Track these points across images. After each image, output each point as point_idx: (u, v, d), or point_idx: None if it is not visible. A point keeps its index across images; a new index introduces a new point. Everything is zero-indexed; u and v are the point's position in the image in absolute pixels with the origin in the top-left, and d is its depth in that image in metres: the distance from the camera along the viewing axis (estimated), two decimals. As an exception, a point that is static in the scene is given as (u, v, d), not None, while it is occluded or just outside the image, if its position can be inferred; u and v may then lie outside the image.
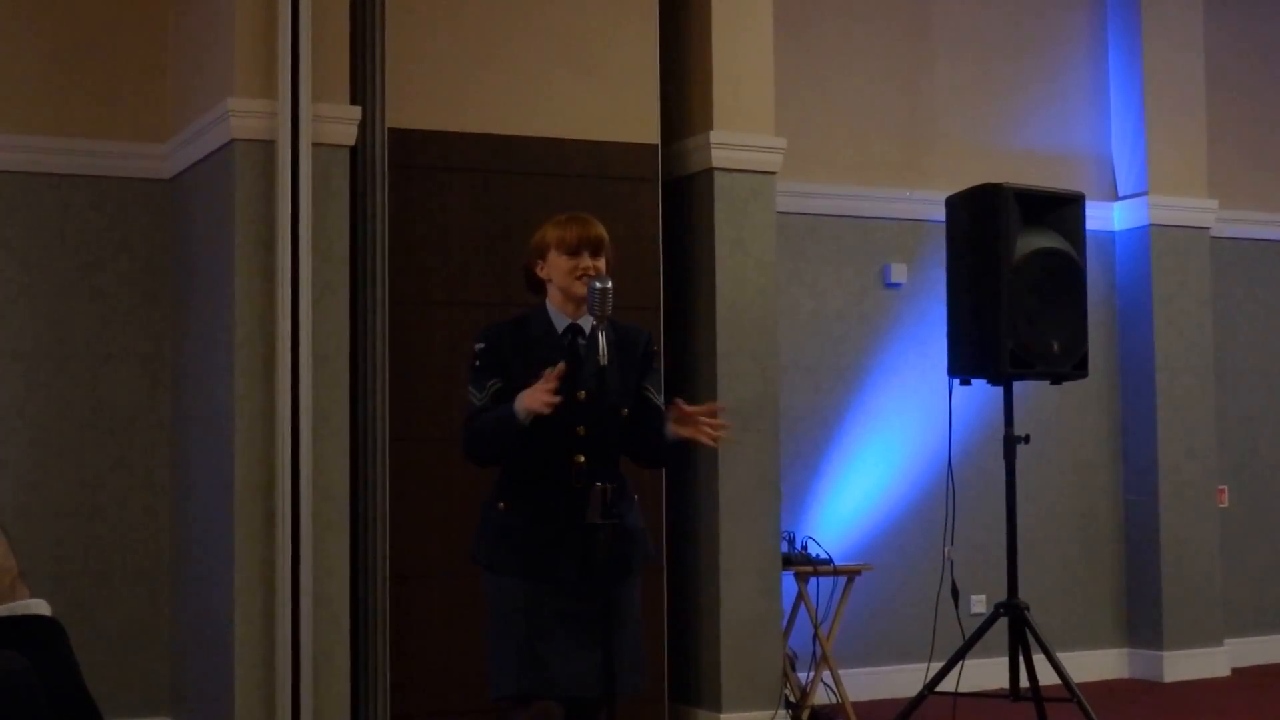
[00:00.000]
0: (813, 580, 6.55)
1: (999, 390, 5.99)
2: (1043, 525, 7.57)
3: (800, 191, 7.12)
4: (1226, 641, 7.86)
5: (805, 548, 6.64)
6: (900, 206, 7.43)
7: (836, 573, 6.59)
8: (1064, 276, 5.92)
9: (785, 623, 6.53)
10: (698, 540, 6.36)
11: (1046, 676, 5.80)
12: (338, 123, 5.67)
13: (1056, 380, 6.06)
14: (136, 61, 6.28)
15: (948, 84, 7.61)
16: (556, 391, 3.70)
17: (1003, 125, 7.72)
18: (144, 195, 6.26)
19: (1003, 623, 5.85)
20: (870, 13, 7.47)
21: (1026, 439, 5.94)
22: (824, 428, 7.22)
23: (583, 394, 3.83)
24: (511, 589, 3.88)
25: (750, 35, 6.46)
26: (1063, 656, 5.95)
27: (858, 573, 6.64)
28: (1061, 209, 6.03)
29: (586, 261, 3.90)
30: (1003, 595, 5.93)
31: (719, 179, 6.37)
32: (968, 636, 5.84)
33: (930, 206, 6.96)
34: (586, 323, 3.88)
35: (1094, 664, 7.64)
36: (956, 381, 6.01)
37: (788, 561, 6.49)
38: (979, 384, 6.04)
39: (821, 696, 6.55)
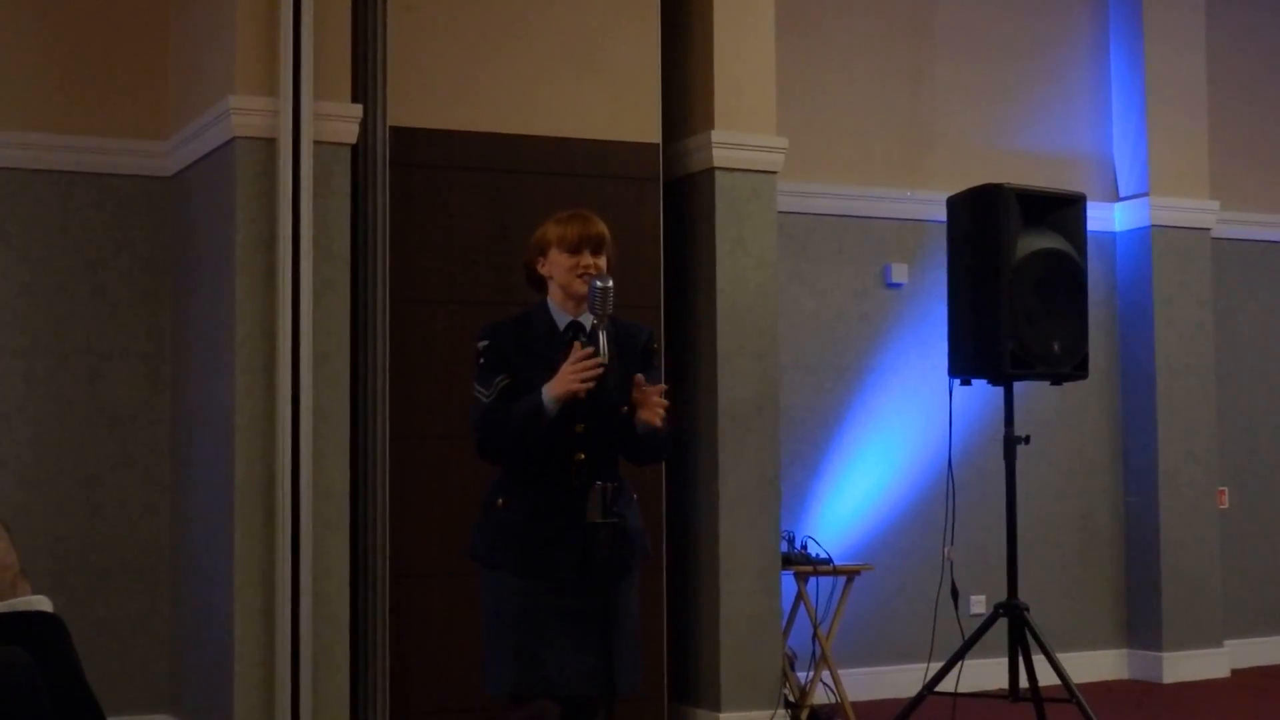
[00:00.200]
0: (812, 580, 6.56)
1: (999, 391, 5.99)
2: (1043, 526, 7.57)
3: (801, 191, 7.12)
4: (1226, 643, 7.86)
5: (805, 547, 6.64)
6: (901, 206, 7.43)
7: (836, 572, 6.59)
8: (1065, 277, 5.92)
9: (785, 622, 6.53)
10: (698, 539, 6.36)
11: (1046, 677, 5.79)
12: (339, 121, 5.67)
13: (1057, 381, 6.06)
14: (138, 59, 6.28)
15: (949, 84, 7.61)
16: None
17: (1004, 125, 7.72)
18: (145, 193, 6.26)
19: (1002, 623, 5.85)
20: (872, 12, 7.47)
21: (1027, 439, 5.94)
22: (824, 427, 7.22)
23: (583, 393, 3.83)
24: (508, 585, 3.88)
25: (752, 35, 6.46)
26: (1062, 657, 5.95)
27: (857, 572, 6.65)
28: (1063, 209, 6.03)
29: (588, 260, 3.90)
30: (1002, 595, 5.93)
31: (720, 178, 6.37)
32: (967, 637, 5.84)
33: (931, 207, 6.96)
34: (587, 320, 3.87)
35: (1093, 665, 7.64)
36: (957, 382, 6.01)
37: (787, 561, 6.49)
38: (979, 384, 6.03)
39: (821, 696, 6.55)
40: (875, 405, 7.32)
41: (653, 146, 6.32)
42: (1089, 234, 6.13)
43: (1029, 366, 5.84)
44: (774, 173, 6.49)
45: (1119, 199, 7.93)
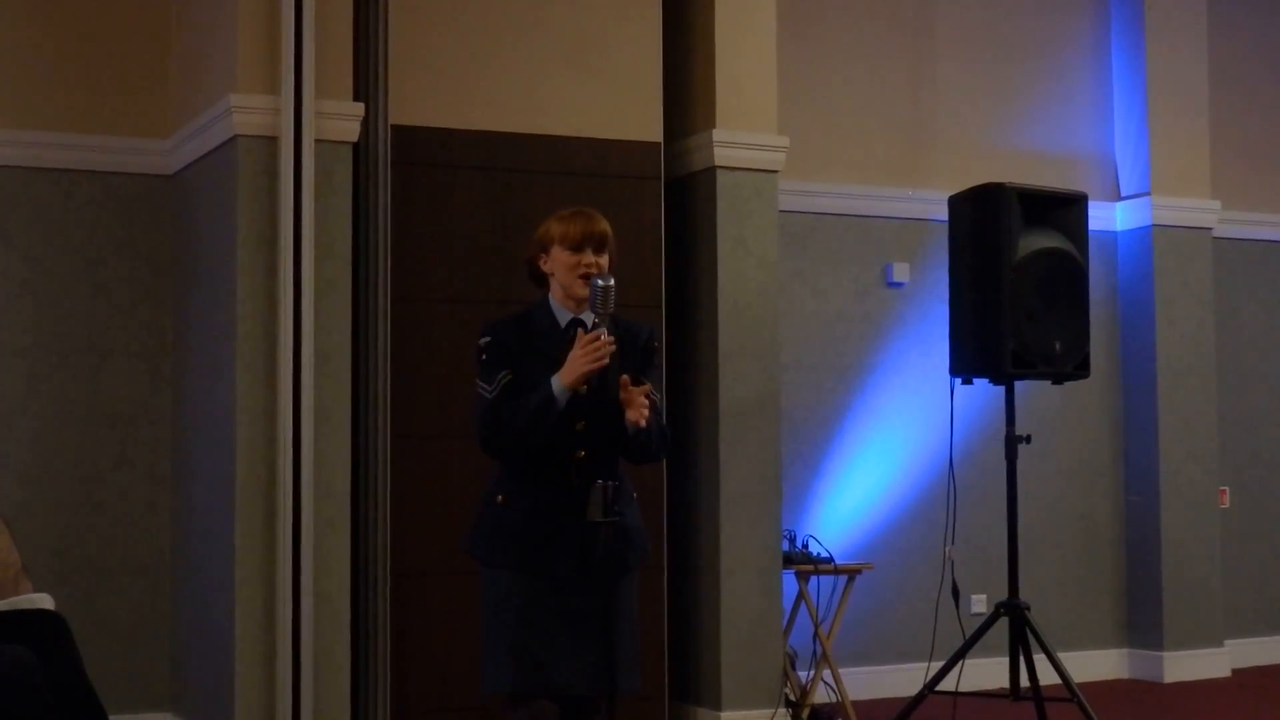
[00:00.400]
0: (813, 579, 6.55)
1: (1000, 390, 5.99)
2: (1044, 525, 7.57)
3: (803, 190, 7.11)
4: (1227, 642, 7.86)
5: (806, 546, 6.64)
6: (903, 206, 7.43)
7: (837, 572, 6.59)
8: (1066, 277, 5.92)
9: (786, 621, 6.52)
10: (698, 538, 6.36)
11: (1047, 676, 5.80)
12: (340, 119, 5.67)
13: (1058, 380, 6.06)
14: (139, 57, 6.28)
15: (951, 83, 7.61)
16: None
17: (1005, 125, 7.72)
18: (146, 191, 6.26)
19: (1003, 622, 5.85)
20: (873, 12, 7.47)
21: (1028, 439, 5.94)
22: (825, 427, 7.22)
23: (583, 389, 3.83)
24: (506, 583, 3.87)
25: (753, 34, 6.46)
26: (1063, 656, 5.95)
27: (858, 572, 6.65)
28: (1064, 209, 6.03)
29: (590, 258, 3.89)
30: (1003, 595, 5.93)
31: (721, 177, 6.37)
32: (968, 636, 5.84)
33: (933, 206, 6.96)
34: (589, 318, 3.87)
35: (1094, 664, 7.64)
36: (958, 381, 6.01)
37: (788, 560, 6.49)
38: (981, 384, 6.03)
39: (822, 695, 6.55)
40: (876, 404, 7.32)
41: (654, 145, 6.31)
42: (1090, 233, 6.13)
43: (1030, 366, 5.84)
44: (775, 172, 6.48)
45: (1120, 198, 7.93)
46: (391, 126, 5.83)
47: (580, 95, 6.21)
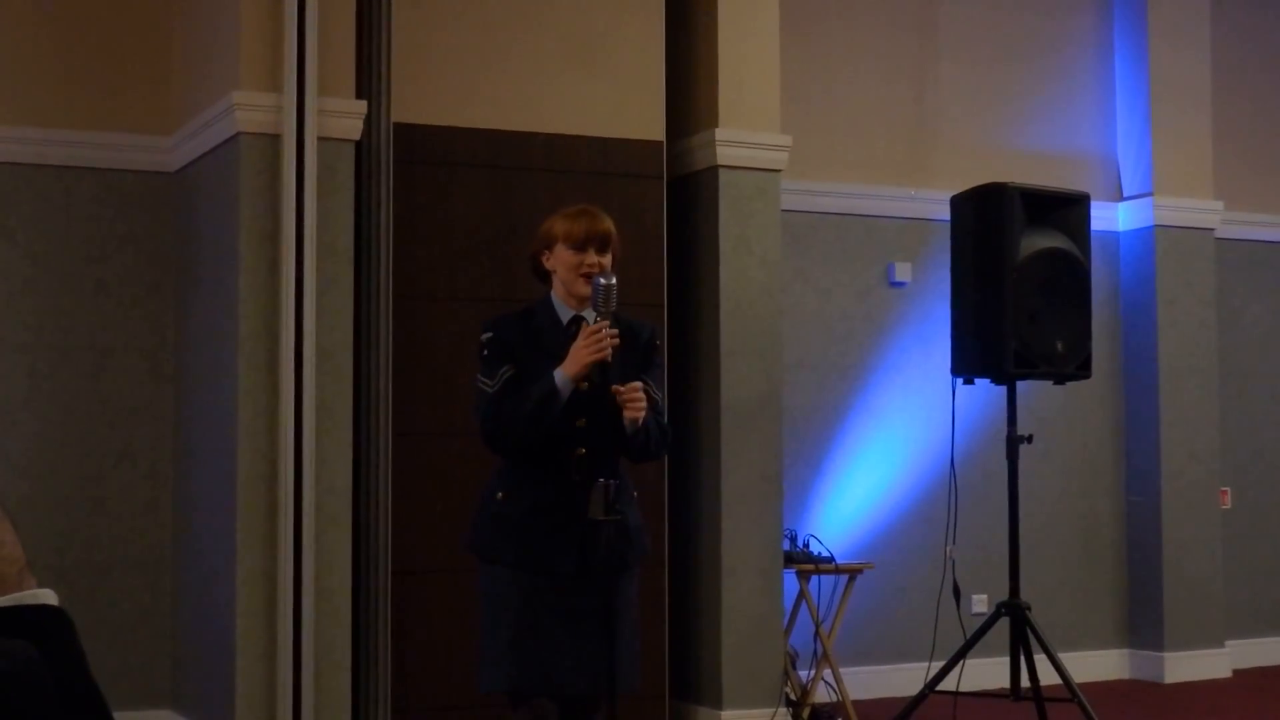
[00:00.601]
0: (814, 578, 6.55)
1: (1002, 390, 5.99)
2: (1045, 525, 7.57)
3: (805, 189, 7.11)
4: (1228, 643, 7.86)
5: (807, 546, 6.64)
6: (905, 205, 7.43)
7: (838, 571, 6.59)
8: (1068, 277, 5.92)
9: (786, 621, 6.52)
10: (699, 537, 6.36)
11: (1047, 676, 5.80)
12: (343, 117, 5.67)
13: (1060, 380, 6.06)
14: (142, 54, 6.28)
15: (953, 83, 7.61)
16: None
17: (1008, 125, 7.72)
18: (149, 188, 6.26)
19: (1004, 622, 5.85)
20: (876, 12, 7.47)
21: (1029, 439, 5.94)
22: (827, 426, 7.22)
23: (584, 385, 3.83)
24: (505, 580, 3.87)
25: (756, 33, 6.46)
26: (1064, 657, 5.95)
27: (859, 571, 6.64)
28: (1066, 209, 6.03)
29: (592, 258, 3.89)
30: (1004, 595, 5.93)
31: (724, 176, 6.36)
32: (969, 636, 5.84)
33: (935, 205, 6.96)
34: (590, 315, 3.87)
35: (1095, 664, 7.64)
36: (960, 381, 6.01)
37: (789, 559, 6.49)
38: (982, 383, 6.03)
39: (822, 695, 6.55)
40: (878, 404, 7.32)
41: (656, 144, 6.31)
42: (1093, 233, 6.13)
43: (1032, 366, 5.84)
44: (778, 171, 6.48)
45: (1123, 199, 7.92)
46: (394, 124, 5.82)
47: (583, 94, 6.21)
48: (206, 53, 5.98)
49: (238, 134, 5.57)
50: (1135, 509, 7.81)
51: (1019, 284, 5.79)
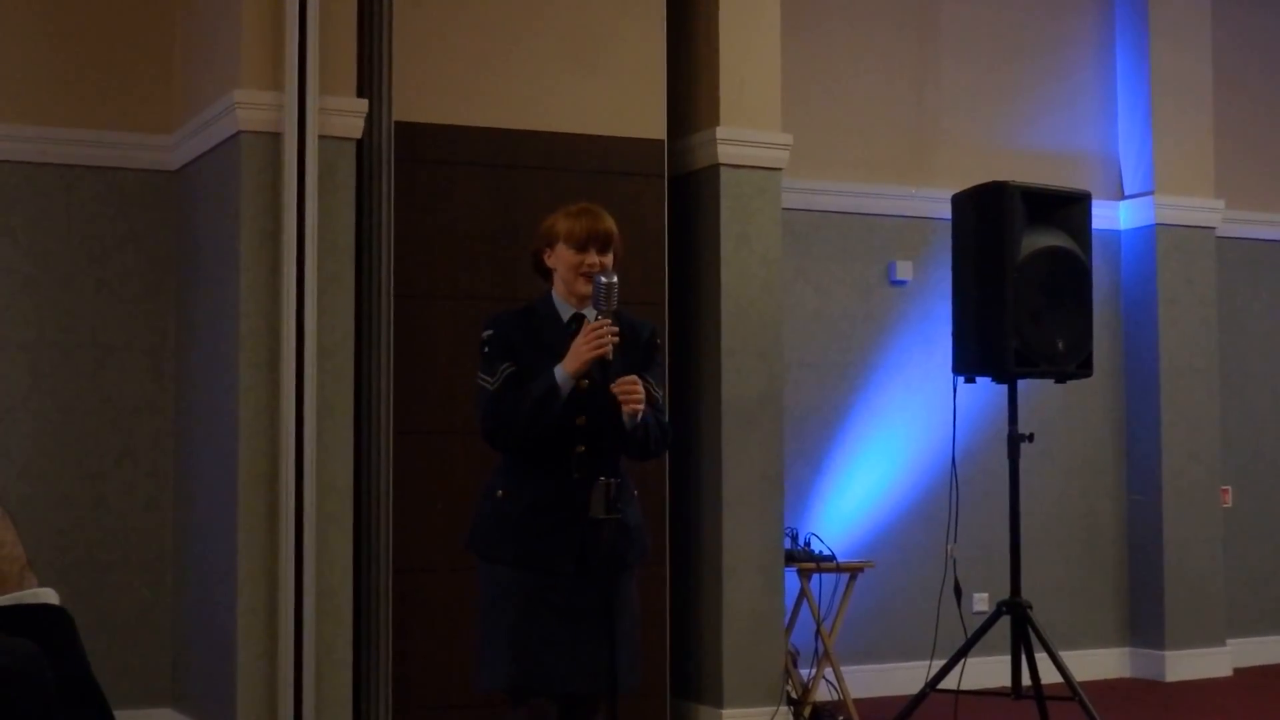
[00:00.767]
0: (815, 577, 6.55)
1: (1003, 388, 5.98)
2: (1046, 524, 7.57)
3: (806, 188, 7.11)
4: (1229, 641, 7.86)
5: (808, 544, 6.64)
6: (906, 204, 7.43)
7: (839, 569, 6.59)
8: (1069, 275, 5.92)
9: (787, 619, 6.52)
10: (700, 536, 6.36)
11: (1048, 675, 5.79)
12: (344, 115, 5.67)
13: (1061, 379, 6.06)
14: (144, 53, 6.28)
15: (955, 82, 7.61)
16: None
17: (1009, 124, 7.72)
18: (150, 187, 6.27)
19: (1005, 621, 5.85)
20: (878, 10, 7.47)
21: (1030, 437, 5.93)
22: (828, 425, 7.22)
23: (585, 384, 3.83)
24: (505, 578, 3.86)
25: (757, 31, 6.46)
26: (1065, 655, 5.95)
27: (860, 570, 6.64)
28: (1067, 208, 6.02)
29: (593, 258, 3.89)
30: (1005, 593, 5.93)
31: (725, 175, 6.36)
32: (970, 634, 5.84)
33: (936, 204, 6.96)
34: (591, 313, 3.87)
35: (1096, 663, 7.64)
36: (961, 379, 6.01)
37: (790, 558, 6.49)
38: (983, 382, 6.03)
39: (823, 693, 6.55)
40: (879, 403, 7.32)
41: (658, 143, 6.31)
42: (1094, 232, 6.13)
43: (1033, 364, 5.84)
44: (779, 169, 6.48)
45: (1124, 197, 7.92)
46: (395, 123, 5.83)
47: (584, 92, 6.21)
48: (208, 51, 5.98)
49: (239, 132, 5.57)
50: (1136, 507, 7.81)
51: (1020, 283, 5.79)
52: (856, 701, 6.58)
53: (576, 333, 3.84)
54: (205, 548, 5.87)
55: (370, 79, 5.79)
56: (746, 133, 6.39)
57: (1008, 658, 5.90)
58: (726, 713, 6.19)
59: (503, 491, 3.92)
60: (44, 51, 6.16)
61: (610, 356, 3.78)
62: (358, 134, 5.72)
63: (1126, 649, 7.81)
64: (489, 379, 3.89)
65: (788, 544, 6.51)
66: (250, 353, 5.52)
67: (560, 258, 3.93)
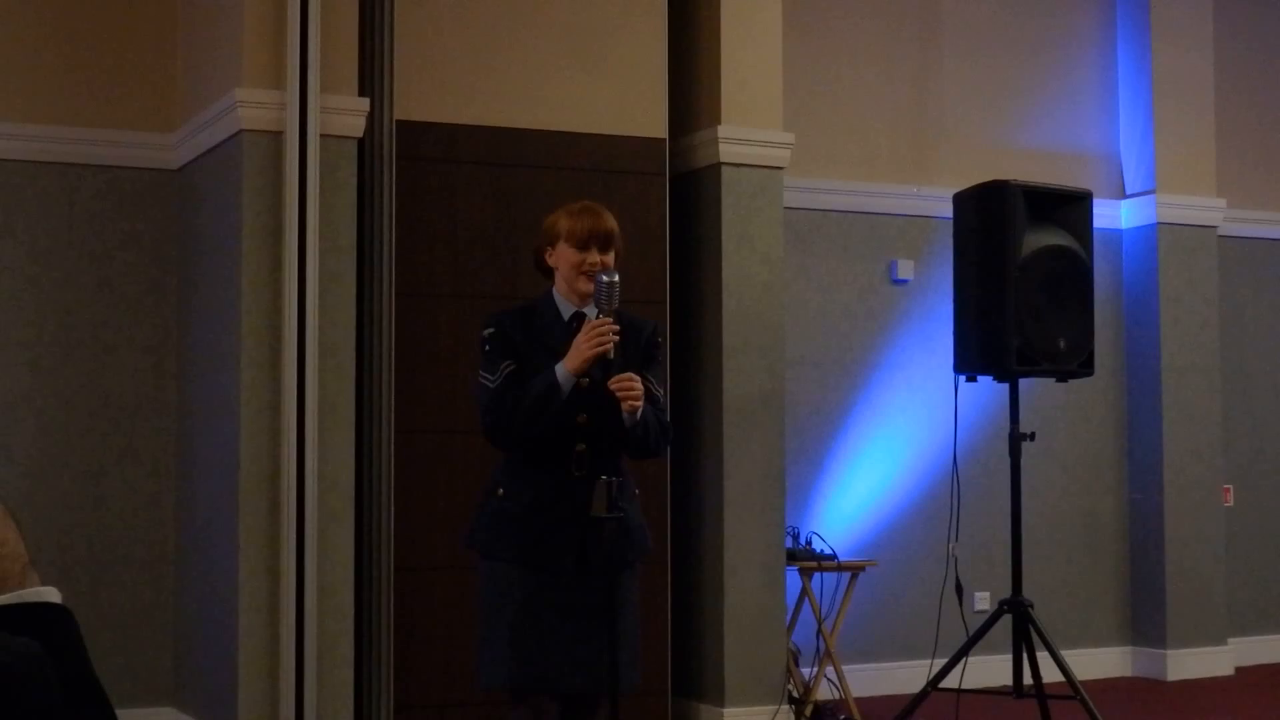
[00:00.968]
0: (817, 576, 6.55)
1: (1005, 387, 5.98)
2: (1047, 523, 7.57)
3: (807, 187, 7.11)
4: (1230, 640, 7.86)
5: (809, 543, 6.64)
6: (907, 203, 7.42)
7: (841, 568, 6.59)
8: (1071, 274, 5.92)
9: (789, 618, 6.52)
10: (702, 535, 6.36)
11: (1050, 674, 5.79)
12: (345, 114, 5.67)
13: (1062, 378, 6.06)
14: (145, 51, 6.29)
15: (956, 81, 7.61)
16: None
17: (1011, 123, 7.71)
18: (152, 185, 6.27)
19: (1006, 620, 5.85)
20: (879, 9, 7.47)
21: (1032, 436, 5.93)
22: (829, 423, 7.22)
23: (585, 382, 3.83)
24: (505, 576, 3.86)
25: (759, 30, 6.46)
26: (1066, 654, 5.95)
27: (862, 568, 6.65)
28: (1069, 206, 6.02)
29: (594, 257, 3.90)
30: (1007, 592, 5.93)
31: (726, 174, 6.36)
32: (971, 633, 5.84)
33: (938, 203, 6.96)
34: (592, 311, 3.88)
35: (1097, 662, 7.64)
36: (962, 378, 6.01)
37: (792, 557, 6.49)
38: (985, 381, 6.03)
39: (825, 692, 6.55)
40: (880, 401, 7.32)
41: (659, 142, 6.31)
42: (1095, 231, 6.13)
43: (1034, 363, 5.84)
44: (780, 168, 6.48)
45: (1125, 196, 7.92)
46: (396, 122, 5.83)
47: (585, 91, 6.21)
48: (209, 50, 5.98)
49: (240, 131, 5.57)
50: (1137, 506, 7.81)
51: (1021, 281, 5.79)
52: (858, 700, 6.58)
53: (577, 331, 3.84)
54: (207, 545, 5.88)
55: (372, 78, 5.79)
56: (748, 131, 6.39)
57: (1009, 657, 5.90)
58: (728, 711, 6.20)
59: (503, 489, 3.92)
60: (46, 50, 6.16)
61: (611, 355, 3.78)
62: (359, 133, 5.72)
63: (1128, 648, 7.81)
64: (490, 377, 3.89)
65: (789, 543, 6.52)
66: (252, 351, 5.52)
67: (562, 256, 3.93)
